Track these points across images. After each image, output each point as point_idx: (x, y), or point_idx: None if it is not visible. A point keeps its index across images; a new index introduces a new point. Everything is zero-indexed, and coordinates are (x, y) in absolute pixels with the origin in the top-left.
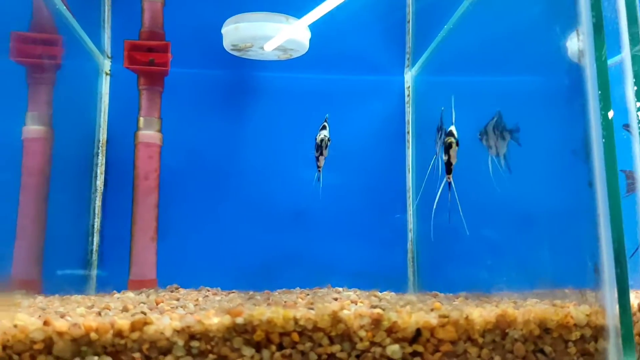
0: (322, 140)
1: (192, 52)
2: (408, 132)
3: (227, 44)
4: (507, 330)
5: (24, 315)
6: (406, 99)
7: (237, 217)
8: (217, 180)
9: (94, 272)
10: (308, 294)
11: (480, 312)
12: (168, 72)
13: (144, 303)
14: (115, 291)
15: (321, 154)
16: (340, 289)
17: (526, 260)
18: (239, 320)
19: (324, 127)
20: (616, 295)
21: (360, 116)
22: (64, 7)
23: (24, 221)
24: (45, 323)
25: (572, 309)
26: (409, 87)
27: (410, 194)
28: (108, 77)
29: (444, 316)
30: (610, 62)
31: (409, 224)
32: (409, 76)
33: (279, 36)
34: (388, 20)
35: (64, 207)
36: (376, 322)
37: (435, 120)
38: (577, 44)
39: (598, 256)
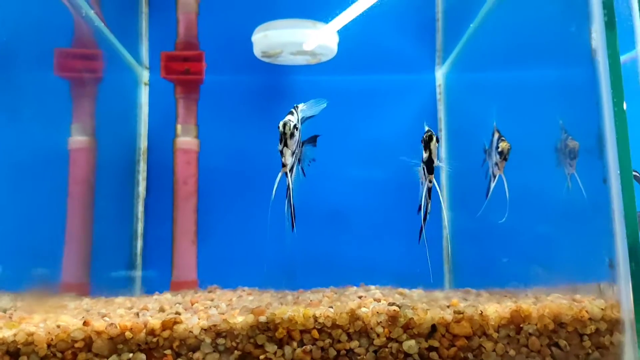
0: (285, 125)
1: (226, 60)
2: (440, 130)
3: (257, 51)
4: (521, 325)
5: (67, 317)
6: (438, 96)
7: (273, 218)
8: (253, 182)
9: (139, 274)
10: (336, 293)
11: (495, 308)
12: (203, 81)
13: (180, 303)
14: (157, 292)
15: (285, 144)
16: (373, 286)
17: (549, 256)
18: (262, 318)
19: (290, 113)
20: (631, 289)
21: (392, 115)
22: (102, 24)
23: (72, 227)
24: (85, 323)
25: (587, 303)
26: (440, 84)
27: (444, 192)
28: (147, 87)
29: (459, 312)
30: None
31: (444, 221)
32: (439, 74)
33: (317, 37)
34: (417, 19)
35: (109, 213)
36: (393, 319)
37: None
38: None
39: (613, 251)
